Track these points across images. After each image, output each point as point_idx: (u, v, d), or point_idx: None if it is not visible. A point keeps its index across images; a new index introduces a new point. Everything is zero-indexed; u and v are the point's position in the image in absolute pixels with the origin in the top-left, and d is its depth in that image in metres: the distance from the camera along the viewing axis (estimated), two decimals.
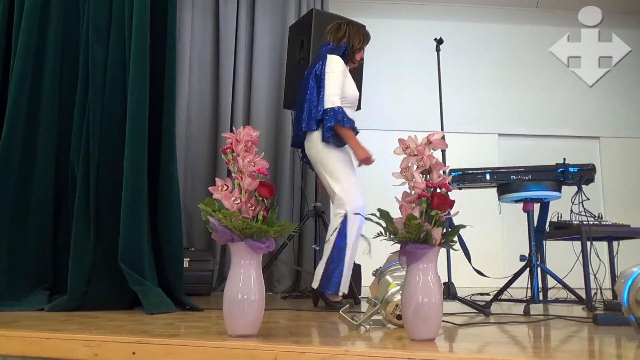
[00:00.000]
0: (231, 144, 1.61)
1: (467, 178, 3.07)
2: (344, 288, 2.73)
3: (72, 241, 2.32)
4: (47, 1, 2.62)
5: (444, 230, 1.53)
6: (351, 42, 2.92)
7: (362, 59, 3.03)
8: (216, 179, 1.59)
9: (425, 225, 1.50)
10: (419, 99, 5.55)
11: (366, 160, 2.72)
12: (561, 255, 3.45)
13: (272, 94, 4.63)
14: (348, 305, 1.87)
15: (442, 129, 3.09)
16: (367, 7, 5.92)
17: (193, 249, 4.00)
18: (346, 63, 2.90)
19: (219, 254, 4.24)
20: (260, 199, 1.56)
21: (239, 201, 1.52)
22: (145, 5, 2.47)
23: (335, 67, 2.81)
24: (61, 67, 2.61)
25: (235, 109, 4.52)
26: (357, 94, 2.92)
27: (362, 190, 2.78)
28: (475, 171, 3.06)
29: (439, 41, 3.26)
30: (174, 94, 2.57)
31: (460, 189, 3.17)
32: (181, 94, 4.34)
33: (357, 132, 2.83)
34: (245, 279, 1.50)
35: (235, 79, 4.57)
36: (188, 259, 3.56)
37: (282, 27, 4.66)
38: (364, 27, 3.04)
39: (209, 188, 1.56)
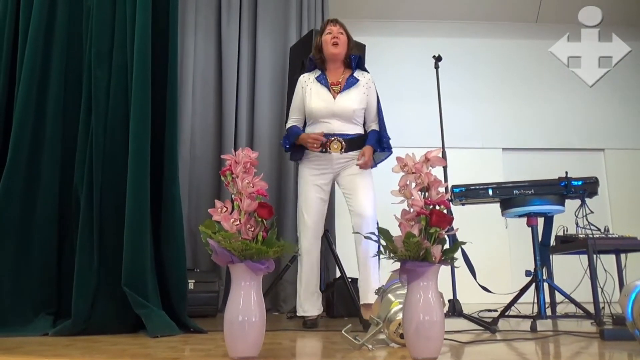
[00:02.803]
0: (230, 165, 1.63)
1: (469, 194, 3.06)
2: (301, 308, 2.82)
3: (76, 265, 2.32)
4: (51, 27, 2.67)
5: (444, 248, 1.53)
6: (313, 47, 3.02)
7: (334, 38, 2.89)
8: (216, 201, 1.60)
9: (424, 242, 1.50)
10: (422, 116, 5.56)
11: (311, 144, 2.83)
12: (569, 269, 3.42)
13: (274, 114, 4.66)
14: (351, 325, 1.86)
15: (442, 145, 3.09)
16: (366, 26, 5.97)
17: (198, 270, 3.99)
18: (323, 69, 2.96)
19: (225, 275, 4.23)
20: (260, 219, 1.57)
21: (238, 222, 1.53)
22: (147, 29, 2.51)
23: (294, 92, 3.03)
24: (65, 91, 2.65)
25: (239, 129, 4.55)
26: (314, 105, 2.86)
27: (313, 207, 2.83)
28: (477, 187, 3.06)
29: (438, 58, 3.28)
30: (176, 115, 2.60)
31: (463, 204, 3.16)
32: (185, 116, 4.39)
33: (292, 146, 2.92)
34: (245, 301, 1.50)
35: (238, 99, 4.61)
36: (193, 281, 3.56)
37: (284, 48, 4.71)
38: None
39: (209, 210, 1.58)
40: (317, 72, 2.97)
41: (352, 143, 2.86)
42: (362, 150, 2.82)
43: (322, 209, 2.89)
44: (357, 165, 2.79)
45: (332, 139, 2.83)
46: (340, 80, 2.92)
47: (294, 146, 2.93)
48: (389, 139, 2.94)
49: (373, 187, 2.85)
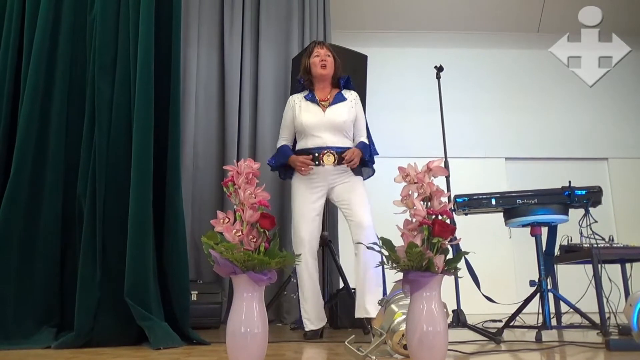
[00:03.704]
0: (232, 176, 1.63)
1: (472, 204, 3.05)
2: (309, 320, 2.81)
3: (78, 277, 2.32)
4: (55, 41, 2.70)
5: (447, 258, 1.52)
6: (300, 67, 3.08)
7: (322, 61, 2.98)
8: (218, 212, 1.60)
9: (427, 253, 1.49)
10: (425, 126, 5.57)
11: (299, 167, 2.86)
12: (574, 279, 3.40)
13: (277, 124, 4.64)
14: (354, 336, 1.85)
15: (445, 155, 3.08)
16: (367, 37, 6.00)
17: (201, 281, 3.98)
18: (312, 89, 3.03)
19: (228, 286, 4.22)
20: (262, 230, 1.57)
21: (240, 233, 1.53)
22: (150, 41, 2.53)
23: (283, 112, 3.12)
24: (68, 104, 2.67)
25: (242, 140, 4.57)
26: (304, 119, 2.91)
27: (307, 218, 2.83)
28: (481, 196, 3.05)
29: (439, 69, 3.29)
30: (178, 128, 2.61)
31: (466, 214, 3.14)
32: (188, 127, 4.40)
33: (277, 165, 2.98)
34: (248, 312, 1.50)
35: (241, 110, 4.62)
36: (196, 292, 3.55)
37: (286, 59, 4.73)
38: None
39: (211, 221, 1.58)
40: (305, 92, 3.05)
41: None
42: (352, 149, 2.87)
43: (317, 224, 2.89)
44: (343, 161, 2.84)
45: (325, 151, 2.86)
46: (328, 97, 3.01)
47: (284, 165, 2.99)
48: (376, 154, 3.04)
49: (367, 197, 2.88)
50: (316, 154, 2.87)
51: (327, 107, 2.94)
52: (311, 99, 2.99)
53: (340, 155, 2.86)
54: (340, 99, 2.99)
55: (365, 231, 2.74)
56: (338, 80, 3.06)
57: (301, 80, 3.08)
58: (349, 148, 2.92)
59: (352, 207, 2.82)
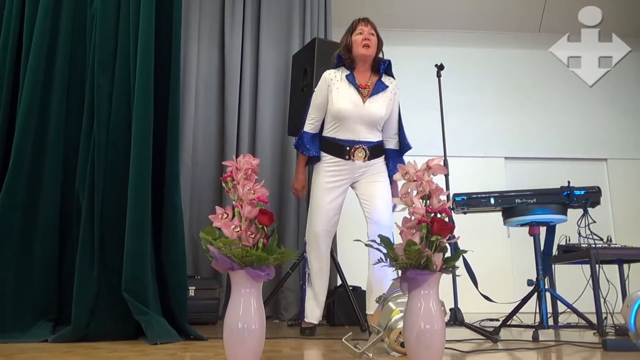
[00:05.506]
0: (231, 172, 1.63)
1: (471, 202, 3.06)
2: (312, 314, 2.80)
3: (76, 271, 2.32)
4: (55, 36, 2.68)
5: (445, 256, 1.52)
6: (341, 44, 2.89)
7: (365, 40, 2.78)
8: (216, 207, 1.60)
9: (425, 251, 1.49)
10: (425, 124, 5.55)
11: (294, 191, 2.90)
12: (571, 279, 3.41)
13: (277, 121, 4.67)
14: (351, 333, 1.85)
15: (444, 154, 3.08)
16: None
17: (199, 277, 3.98)
18: (352, 68, 2.84)
19: (225, 282, 4.22)
20: (260, 226, 1.56)
21: (238, 229, 1.53)
22: (150, 36, 2.52)
23: (316, 88, 2.91)
24: (67, 99, 2.66)
25: (241, 136, 4.56)
26: (342, 106, 2.74)
27: (326, 215, 2.76)
28: (479, 195, 3.05)
29: (440, 67, 3.29)
30: (178, 122, 2.60)
31: (465, 213, 3.15)
32: (187, 123, 4.40)
33: (315, 157, 2.83)
34: (245, 308, 1.50)
35: (241, 106, 4.62)
36: (194, 288, 3.55)
37: (286, 56, 4.72)
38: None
39: (210, 217, 1.58)
40: (346, 71, 2.85)
41: (375, 150, 2.82)
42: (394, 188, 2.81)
43: (336, 217, 2.82)
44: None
45: (357, 146, 2.78)
46: (368, 83, 2.84)
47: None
48: (409, 149, 2.92)
49: (391, 197, 2.79)
50: (347, 148, 2.78)
51: (367, 98, 2.78)
52: (352, 81, 2.81)
53: (371, 150, 2.79)
54: (381, 87, 2.82)
55: (383, 230, 2.59)
56: (378, 64, 2.86)
57: (341, 56, 2.87)
58: (380, 142, 2.84)
59: (374, 205, 2.74)
